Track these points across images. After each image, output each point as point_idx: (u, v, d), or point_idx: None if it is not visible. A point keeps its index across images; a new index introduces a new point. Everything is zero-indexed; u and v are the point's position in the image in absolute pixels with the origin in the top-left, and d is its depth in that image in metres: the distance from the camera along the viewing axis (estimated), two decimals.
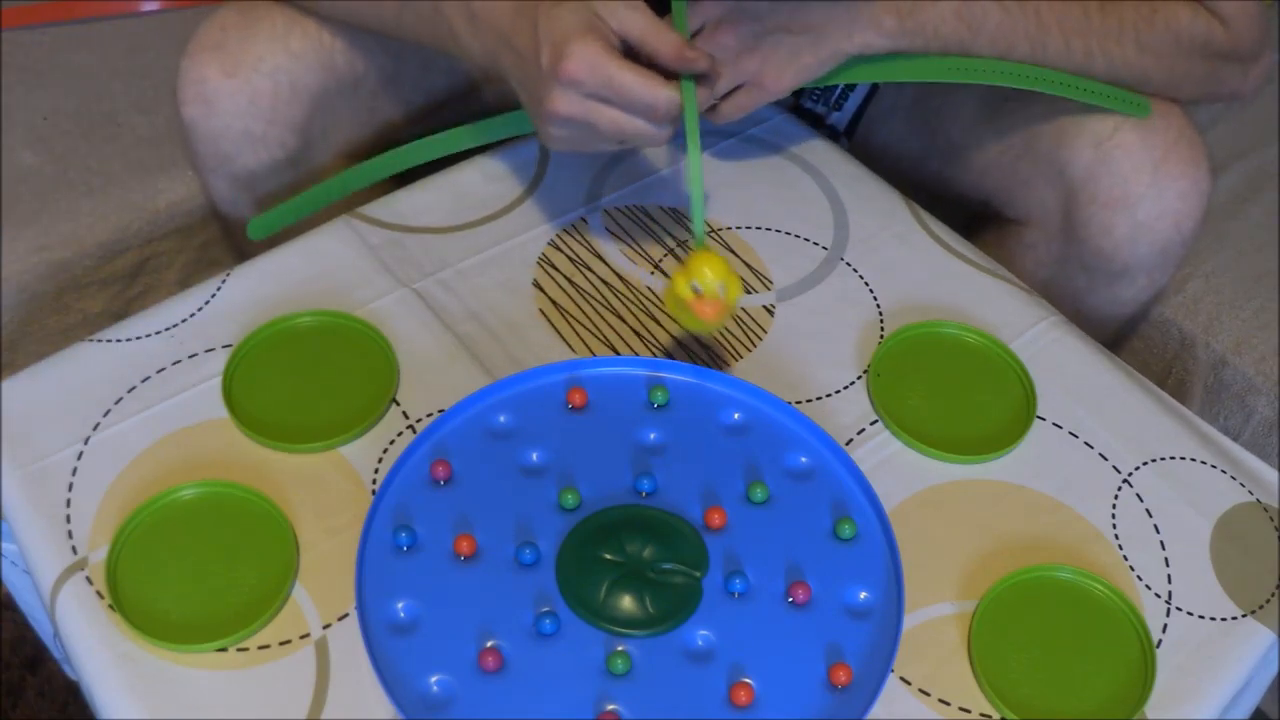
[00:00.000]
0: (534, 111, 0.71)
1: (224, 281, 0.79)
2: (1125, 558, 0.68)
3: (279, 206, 0.85)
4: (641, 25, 0.69)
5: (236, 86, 0.84)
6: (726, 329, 0.78)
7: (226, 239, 1.09)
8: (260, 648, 0.62)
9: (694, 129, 0.72)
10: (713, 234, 0.85)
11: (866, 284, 0.82)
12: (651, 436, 0.70)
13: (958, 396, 0.75)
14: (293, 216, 0.86)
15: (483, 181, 0.87)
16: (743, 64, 0.78)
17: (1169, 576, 0.68)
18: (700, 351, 0.77)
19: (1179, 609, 0.66)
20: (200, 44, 0.85)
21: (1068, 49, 0.80)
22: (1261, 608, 0.67)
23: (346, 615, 0.63)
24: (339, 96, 0.88)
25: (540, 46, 0.68)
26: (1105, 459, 0.73)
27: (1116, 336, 1.02)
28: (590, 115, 0.68)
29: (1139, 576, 0.67)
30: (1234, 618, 0.66)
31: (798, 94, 1.01)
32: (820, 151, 0.92)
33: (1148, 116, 0.83)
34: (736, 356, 0.77)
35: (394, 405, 0.72)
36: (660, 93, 0.67)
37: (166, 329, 0.76)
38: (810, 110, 1.04)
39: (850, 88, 1.01)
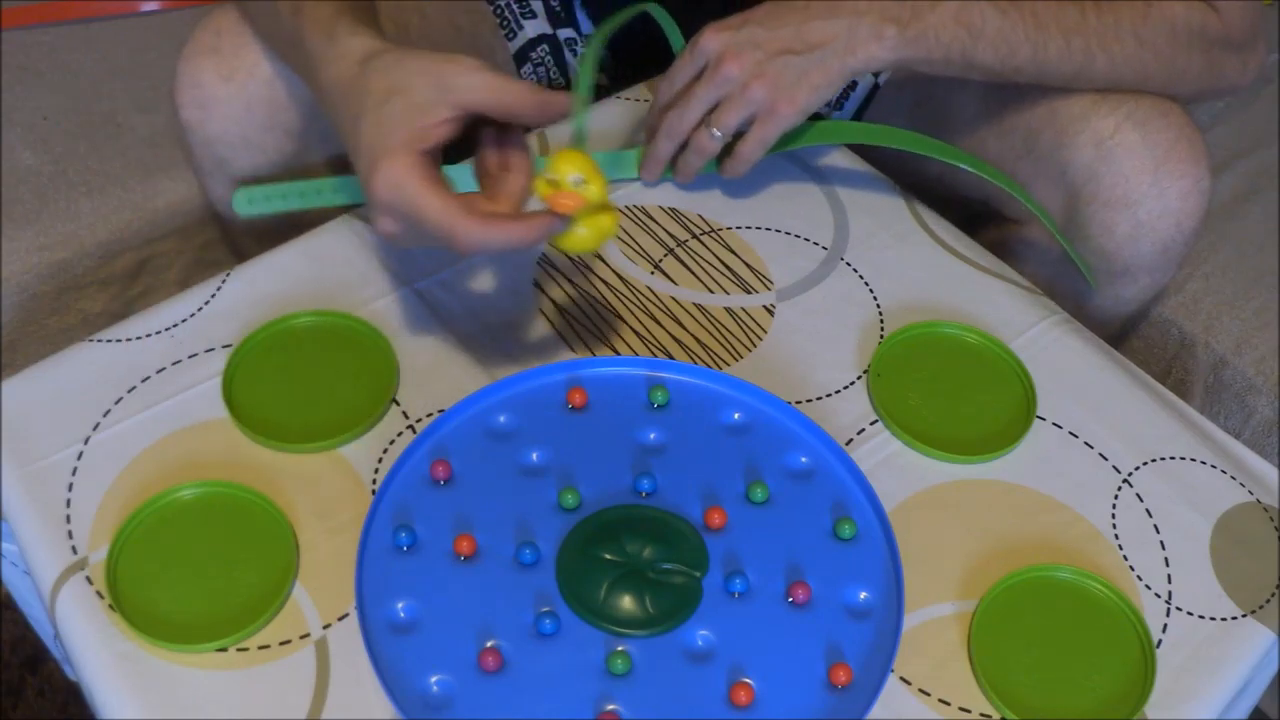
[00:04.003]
0: None
1: (224, 281, 0.79)
2: (1125, 558, 0.68)
3: (269, 188, 0.81)
4: (485, 88, 0.63)
5: (233, 92, 0.83)
6: (726, 329, 0.78)
7: (226, 239, 1.09)
8: (260, 648, 0.62)
9: (596, 47, 0.69)
10: (712, 234, 0.85)
11: (866, 284, 0.82)
12: (651, 436, 0.70)
13: (958, 396, 0.75)
14: (280, 202, 0.81)
15: None
16: (752, 93, 0.78)
17: (1169, 576, 0.68)
18: (700, 352, 0.77)
19: (1179, 609, 0.66)
20: (196, 47, 0.85)
21: (1068, 48, 0.80)
22: (1261, 608, 0.67)
23: (346, 615, 0.63)
24: None
25: (360, 150, 0.63)
26: (1105, 459, 0.73)
27: (1117, 336, 1.02)
28: (411, 239, 0.64)
29: (1139, 576, 0.67)
30: (1234, 618, 0.66)
31: None
32: (820, 151, 0.92)
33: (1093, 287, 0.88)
34: (736, 356, 0.77)
35: (394, 405, 0.72)
36: (458, 224, 0.61)
37: (166, 329, 0.76)
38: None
39: (850, 88, 1.01)
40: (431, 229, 0.62)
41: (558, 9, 1.03)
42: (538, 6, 1.03)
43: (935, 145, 0.86)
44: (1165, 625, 0.65)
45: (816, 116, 1.03)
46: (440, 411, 0.70)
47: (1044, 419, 0.75)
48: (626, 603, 0.62)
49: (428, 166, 0.62)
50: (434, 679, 0.59)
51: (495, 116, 0.64)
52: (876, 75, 1.00)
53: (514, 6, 1.02)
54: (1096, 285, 0.88)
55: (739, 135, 0.82)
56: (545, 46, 1.03)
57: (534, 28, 1.02)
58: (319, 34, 0.68)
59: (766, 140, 0.80)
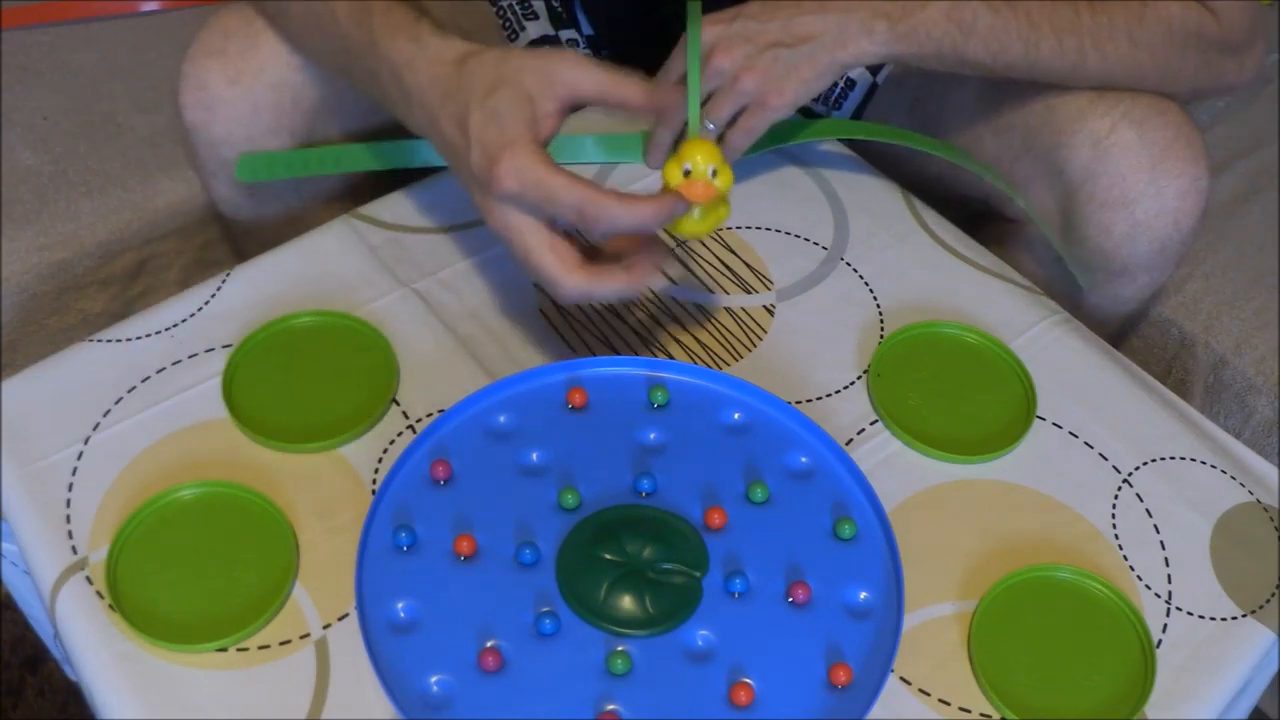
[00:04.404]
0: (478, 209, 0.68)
1: (224, 281, 0.79)
2: (1125, 558, 0.68)
3: (271, 153, 0.84)
4: (594, 82, 0.65)
5: (239, 95, 0.83)
6: (726, 328, 0.78)
7: (226, 239, 1.09)
8: (260, 648, 0.62)
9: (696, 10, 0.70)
10: (712, 234, 0.85)
11: (866, 284, 0.82)
12: (651, 436, 0.70)
13: (958, 396, 0.75)
14: (283, 170, 0.84)
15: None
16: (742, 85, 0.78)
17: (1169, 576, 0.68)
18: (700, 352, 0.77)
19: (1179, 609, 0.66)
20: (203, 49, 0.84)
21: (1061, 47, 0.80)
22: (1261, 608, 0.67)
23: (346, 615, 0.63)
24: (340, 106, 0.87)
25: (471, 145, 0.64)
26: (1105, 459, 0.73)
27: (1116, 335, 1.02)
28: (514, 236, 0.65)
29: (1139, 576, 0.67)
30: (1234, 618, 0.66)
31: None
32: (820, 152, 0.92)
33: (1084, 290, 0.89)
34: (736, 356, 0.77)
35: (394, 405, 0.72)
36: (592, 199, 0.62)
37: (166, 329, 0.76)
38: (809, 110, 1.04)
39: (850, 87, 1.01)
40: (565, 208, 0.63)
41: (559, 10, 1.03)
42: (539, 7, 1.03)
43: (928, 141, 0.86)
44: (1165, 625, 0.65)
45: (811, 114, 1.04)
46: (440, 411, 0.70)
47: (1044, 419, 0.75)
48: (626, 603, 0.62)
49: (547, 153, 0.64)
50: (434, 679, 0.59)
51: (606, 107, 0.66)
52: (875, 74, 1.00)
53: (516, 8, 1.02)
54: (1088, 285, 0.88)
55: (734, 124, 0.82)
56: (547, 48, 1.03)
57: (536, 29, 1.02)
58: (401, 38, 0.68)
59: (754, 131, 0.80)
